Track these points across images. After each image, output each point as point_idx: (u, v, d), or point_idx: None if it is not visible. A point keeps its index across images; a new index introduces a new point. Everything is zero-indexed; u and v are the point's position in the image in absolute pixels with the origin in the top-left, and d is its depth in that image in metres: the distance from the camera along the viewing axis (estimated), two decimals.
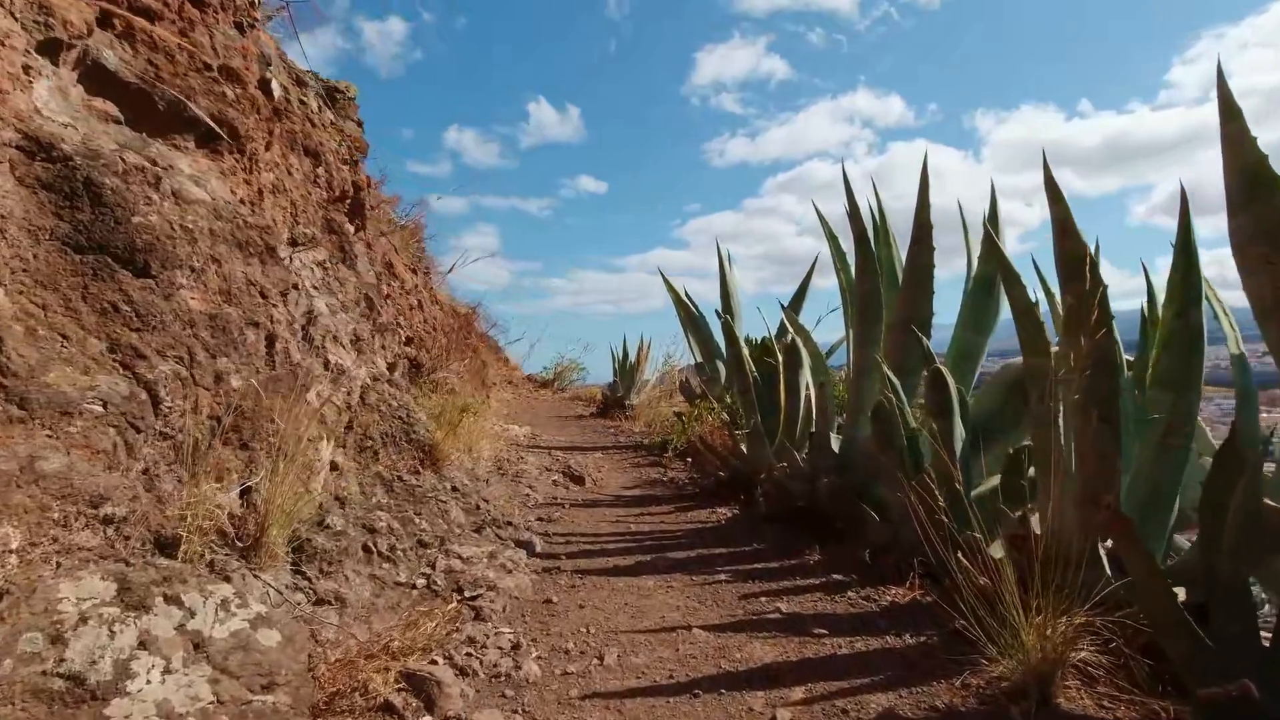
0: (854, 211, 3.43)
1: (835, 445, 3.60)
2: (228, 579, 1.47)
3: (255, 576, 1.56)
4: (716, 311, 5.05)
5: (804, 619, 2.21)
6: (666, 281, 7.24)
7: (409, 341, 5.37)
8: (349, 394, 2.59)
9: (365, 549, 2.10)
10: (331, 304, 2.90)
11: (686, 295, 7.28)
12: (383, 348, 3.81)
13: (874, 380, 3.46)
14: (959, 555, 2.11)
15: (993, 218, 3.41)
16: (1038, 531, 2.12)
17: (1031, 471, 2.58)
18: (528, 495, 4.13)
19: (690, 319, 7.16)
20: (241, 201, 2.25)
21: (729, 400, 5.28)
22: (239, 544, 1.64)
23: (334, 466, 2.46)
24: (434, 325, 6.23)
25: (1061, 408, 2.28)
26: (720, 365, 7.02)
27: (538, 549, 2.92)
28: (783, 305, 4.89)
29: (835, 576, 2.60)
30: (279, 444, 1.75)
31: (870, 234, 3.44)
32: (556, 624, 2.12)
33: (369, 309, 3.42)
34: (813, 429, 4.19)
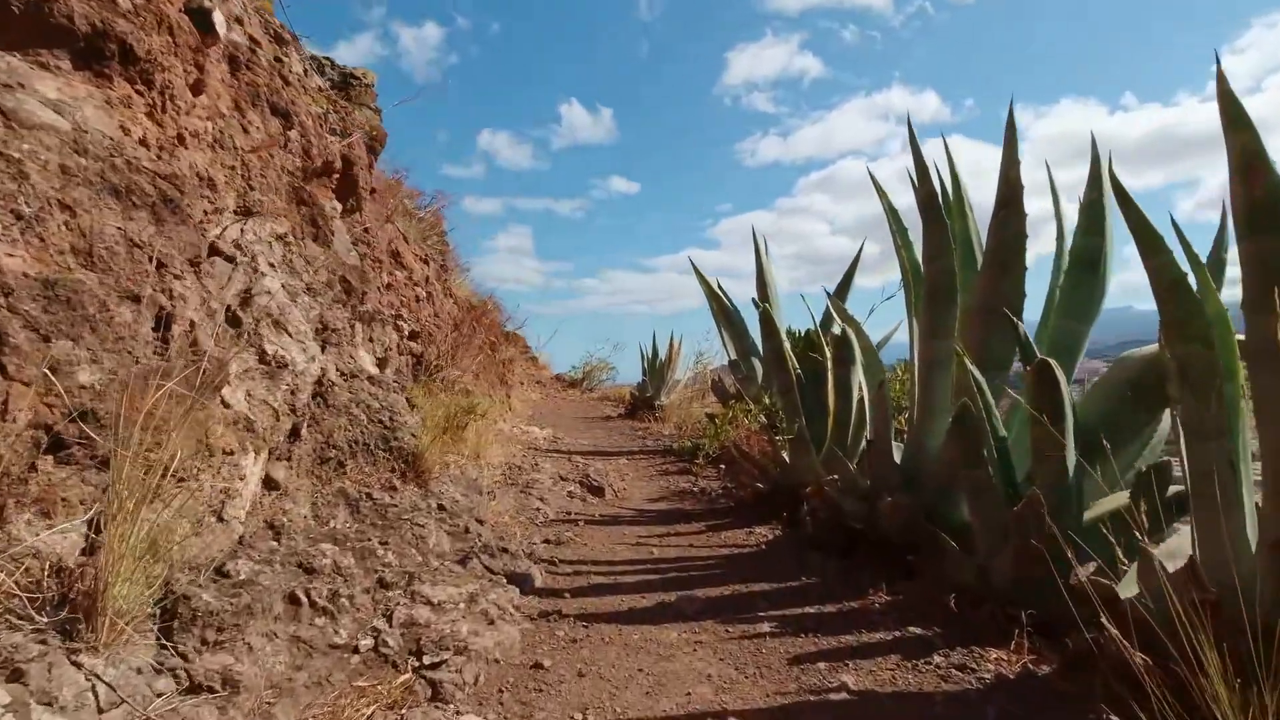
0: (922, 175, 2.83)
1: (896, 455, 3.02)
2: (18, 674, 0.97)
3: (75, 662, 1.07)
4: (754, 300, 4.47)
5: (880, 701, 1.64)
6: (698, 273, 6.68)
7: (413, 336, 4.90)
8: (294, 392, 2.10)
9: (291, 599, 1.59)
10: (291, 285, 2.42)
11: (719, 287, 6.71)
12: (370, 340, 3.33)
13: (946, 378, 2.86)
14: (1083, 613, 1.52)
15: (1094, 181, 2.80)
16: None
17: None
18: (537, 510, 3.61)
19: (724, 313, 6.58)
20: (142, 143, 1.77)
21: (767, 401, 4.71)
22: (62, 611, 1.14)
23: (271, 484, 1.96)
24: (447, 320, 5.76)
25: (1233, 412, 1.68)
26: (756, 363, 6.44)
27: (536, 583, 2.40)
28: (828, 293, 4.30)
29: (913, 630, 2.02)
30: (155, 461, 1.26)
31: (942, 202, 2.84)
32: (544, 705, 1.59)
33: (346, 294, 2.94)
34: (867, 435, 3.60)
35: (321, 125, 3.41)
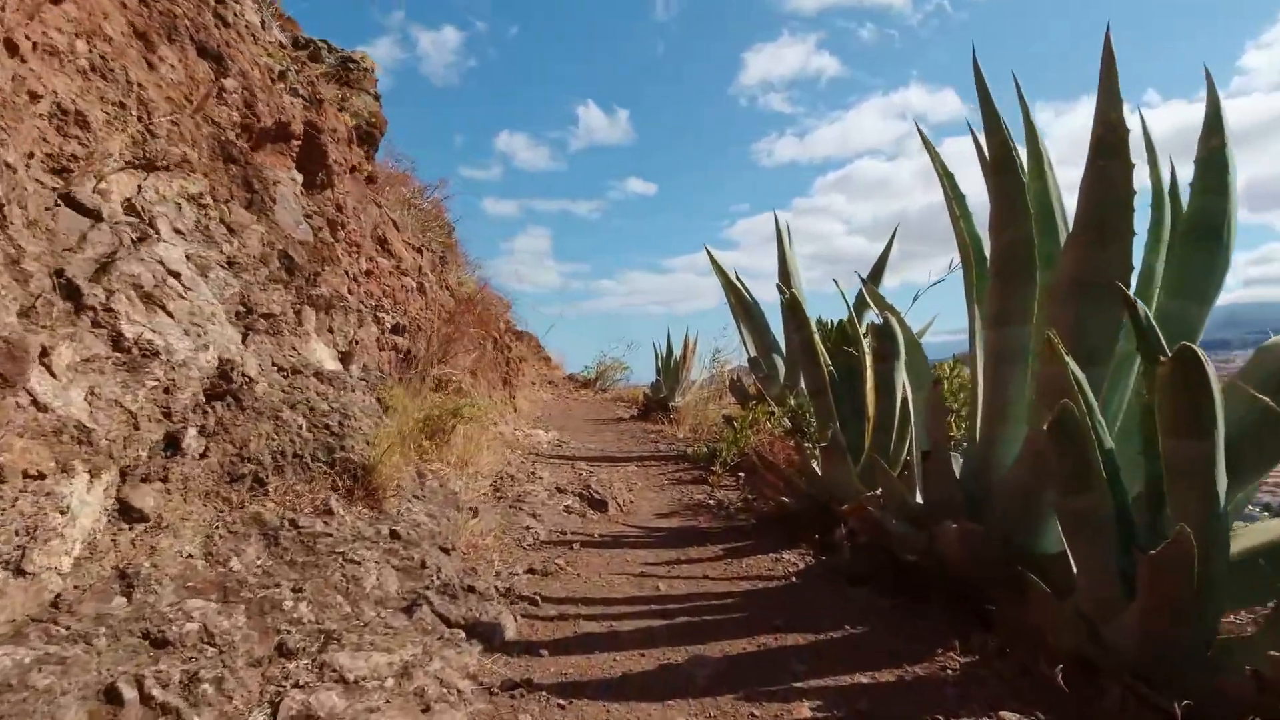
0: (992, 123, 2.29)
1: (954, 468, 2.47)
2: None
3: None
4: (778, 286, 3.94)
5: None
6: (715, 263, 6.14)
7: (398, 329, 4.42)
8: (169, 390, 1.60)
9: (108, 696, 1.09)
10: (202, 257, 1.93)
11: (737, 279, 6.17)
12: (330, 331, 2.85)
13: (1020, 374, 2.31)
14: None
15: (1213, 126, 2.25)
16: None
17: None
18: (526, 530, 3.10)
19: (742, 307, 6.04)
20: None
21: (792, 403, 4.16)
22: None
23: (135, 515, 1.47)
24: (440, 314, 5.28)
25: None
26: (778, 361, 5.89)
27: (508, 634, 1.88)
28: (863, 278, 3.75)
29: (1008, 718, 1.48)
30: None
31: (1016, 155, 2.29)
32: None
33: (288, 273, 2.45)
34: (911, 443, 3.06)
35: (276, 82, 2.92)
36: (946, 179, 2.74)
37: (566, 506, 3.58)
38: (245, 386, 1.90)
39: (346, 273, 3.54)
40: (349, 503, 2.10)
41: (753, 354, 6.07)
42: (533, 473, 4.33)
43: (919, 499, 2.65)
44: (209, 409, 1.78)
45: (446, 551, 2.20)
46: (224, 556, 1.58)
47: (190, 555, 1.50)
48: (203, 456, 1.74)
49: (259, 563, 1.64)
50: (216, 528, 1.65)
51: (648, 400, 9.32)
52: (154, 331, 1.60)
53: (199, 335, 1.73)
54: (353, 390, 2.59)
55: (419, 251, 5.90)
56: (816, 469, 3.34)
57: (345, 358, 2.98)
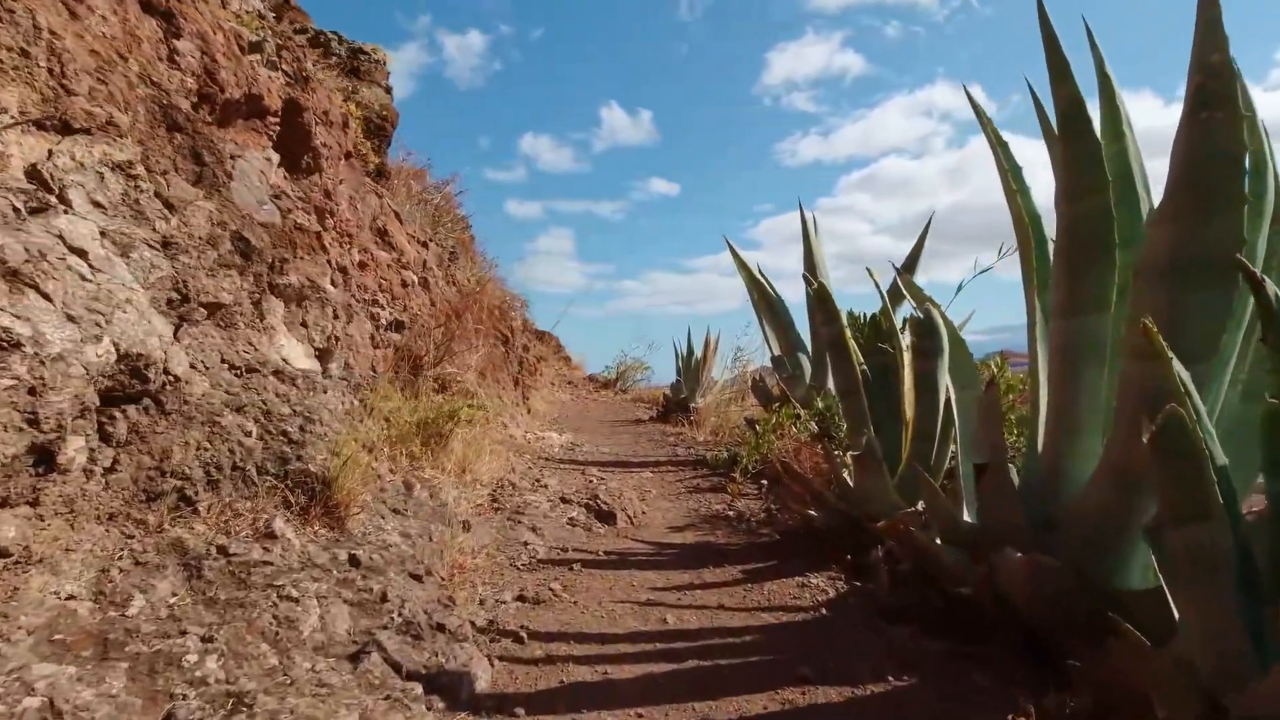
0: (1060, 70, 1.92)
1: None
2: None
3: None
4: (805, 276, 3.58)
5: None
6: (736, 255, 5.78)
7: (396, 326, 4.14)
8: (34, 392, 1.30)
9: None
10: (125, 234, 1.65)
11: (760, 273, 5.81)
12: (303, 325, 2.56)
13: (1097, 373, 1.94)
14: None
15: None
16: None
17: None
18: (524, 547, 2.79)
19: (766, 302, 5.68)
20: None
21: (818, 405, 3.79)
22: None
23: None
24: (445, 310, 4.99)
25: None
26: (804, 360, 5.52)
27: (479, 685, 1.57)
28: (896, 268, 3.38)
29: None
30: None
31: (1094, 113, 1.93)
32: None
33: (243, 258, 2.16)
34: (954, 452, 2.70)
35: (247, 52, 2.64)
36: (1000, 148, 2.37)
37: (571, 519, 3.26)
38: (169, 387, 1.61)
39: (334, 263, 3.26)
40: (303, 523, 1.81)
41: (776, 353, 5.71)
42: (538, 480, 4.03)
43: (966, 516, 2.29)
44: (113, 414, 1.50)
45: (418, 579, 1.89)
46: (123, 596, 1.29)
47: (71, 597, 1.22)
48: (109, 471, 1.45)
49: (171, 602, 1.35)
50: (119, 559, 1.36)
51: (667, 401, 8.99)
52: (16, 317, 1.31)
53: (96, 324, 1.45)
54: (323, 392, 2.29)
55: (424, 245, 5.63)
56: (848, 479, 2.99)
57: (323, 355, 2.69)
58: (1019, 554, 1.77)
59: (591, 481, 4.29)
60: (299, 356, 2.43)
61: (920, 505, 2.79)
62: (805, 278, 3.51)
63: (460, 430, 3.78)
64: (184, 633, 1.25)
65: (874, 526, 2.57)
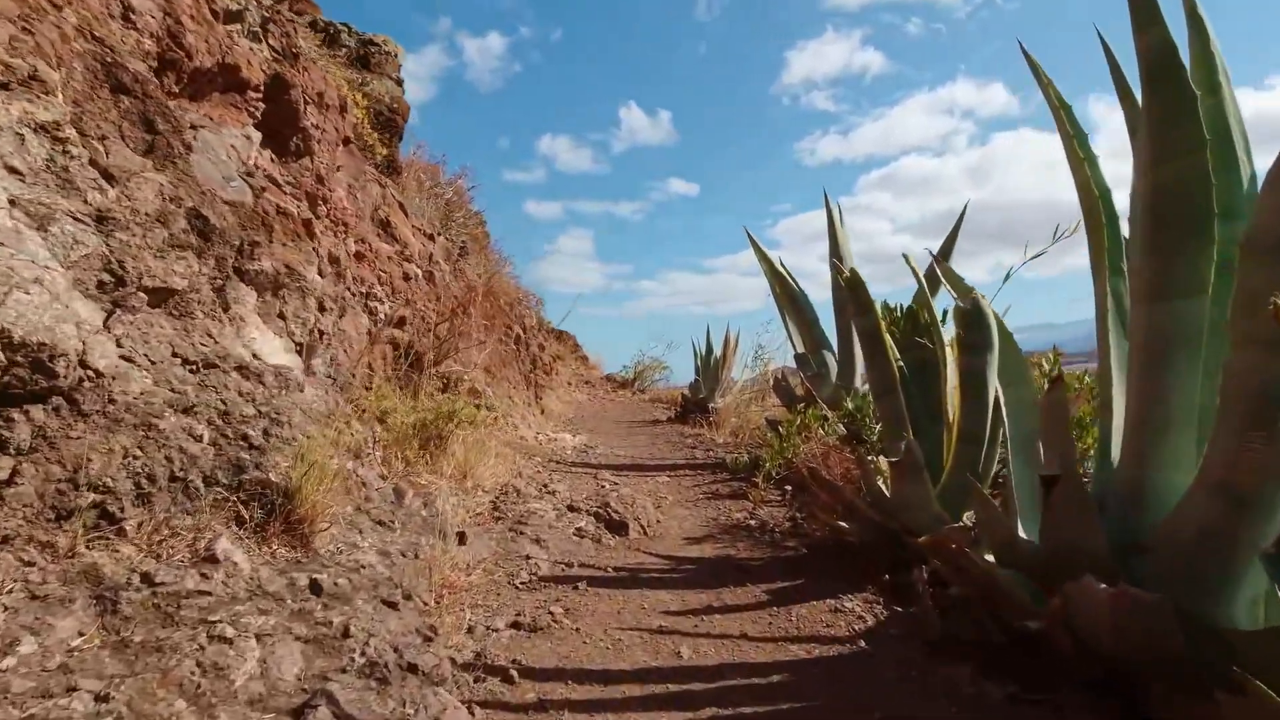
0: (1147, 11, 1.62)
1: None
2: None
3: None
4: (832, 263, 3.24)
5: None
6: (756, 246, 5.48)
7: (397, 321, 3.91)
8: None
9: None
10: (45, 205, 1.41)
11: (782, 266, 5.51)
12: (280, 316, 2.33)
13: (1191, 367, 1.64)
14: None
15: None
16: None
17: None
18: (525, 562, 2.54)
19: (788, 296, 5.38)
20: None
21: (847, 405, 3.49)
22: None
23: None
24: (450, 304, 4.76)
25: None
26: (829, 358, 5.22)
27: None
28: (934, 255, 3.07)
29: None
30: None
31: (1187, 58, 1.62)
32: None
33: (203, 239, 1.91)
34: (1008, 459, 2.39)
35: (221, 19, 2.41)
36: (1062, 110, 2.07)
37: (579, 529, 3.00)
38: (88, 383, 1.37)
39: (324, 252, 3.03)
40: (259, 542, 1.56)
41: (800, 350, 5.41)
42: (546, 486, 3.77)
43: (1021, 532, 2.00)
44: (11, 416, 1.26)
45: (393, 606, 1.63)
46: (7, 640, 1.05)
47: None
48: (7, 484, 1.21)
49: (72, 646, 1.11)
50: (9, 591, 1.12)
51: (685, 402, 8.71)
52: None
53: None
54: (298, 390, 2.05)
55: (431, 239, 5.40)
56: (883, 487, 2.70)
57: (306, 350, 2.46)
58: (1103, 585, 1.47)
59: (604, 487, 4.03)
60: (275, 351, 2.20)
61: (968, 518, 2.49)
62: (833, 264, 3.17)
63: (461, 432, 3.54)
64: (73, 689, 1.00)
65: (915, 542, 2.27)
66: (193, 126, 2.09)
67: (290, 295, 2.36)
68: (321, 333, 2.59)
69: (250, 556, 1.50)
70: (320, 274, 2.76)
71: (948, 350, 2.67)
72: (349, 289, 3.39)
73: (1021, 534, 1.98)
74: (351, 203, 3.98)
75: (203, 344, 1.79)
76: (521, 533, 2.83)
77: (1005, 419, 2.36)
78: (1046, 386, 1.97)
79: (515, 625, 1.95)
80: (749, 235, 5.52)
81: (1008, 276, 2.90)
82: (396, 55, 8.96)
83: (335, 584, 1.57)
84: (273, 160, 2.99)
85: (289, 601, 1.44)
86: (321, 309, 2.55)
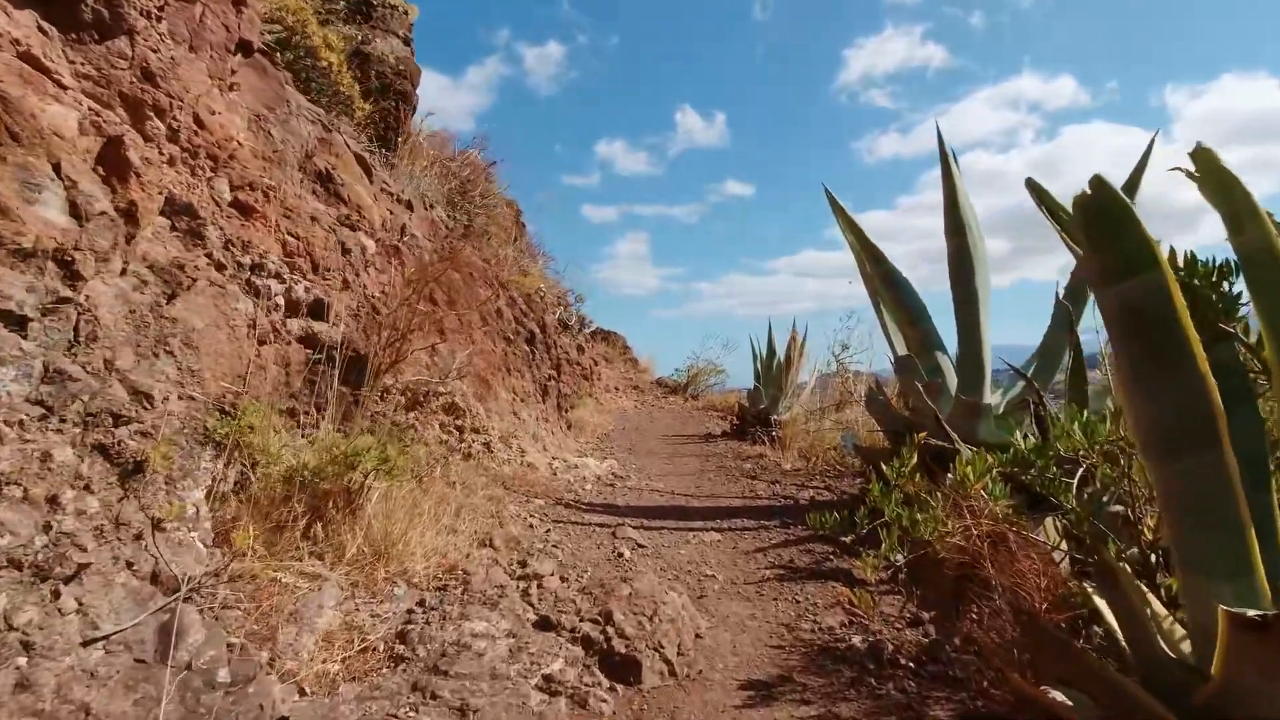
0: None
1: None
2: None
3: None
4: (1028, 184, 1.85)
5: None
6: (841, 212, 4.03)
7: (316, 311, 2.66)
8: None
9: None
10: None
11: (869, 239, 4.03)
12: None
13: None
14: None
15: None
16: None
17: None
18: None
19: (883, 277, 3.91)
20: None
21: (1021, 443, 1.99)
22: None
23: None
24: (416, 279, 3.49)
25: None
26: (947, 363, 3.74)
27: None
28: (1188, 167, 1.58)
29: None
30: None
31: None
32: None
33: None
34: None
35: None
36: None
37: (549, 678, 1.65)
38: None
39: (140, 188, 1.79)
40: None
41: (899, 350, 3.93)
42: (524, 563, 2.44)
43: None
44: None
45: None
46: None
47: None
48: None
49: None
50: None
51: (743, 412, 7.27)
52: None
53: None
54: None
55: (409, 207, 4.13)
56: (1163, 645, 1.26)
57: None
58: None
59: (620, 557, 2.68)
60: None
61: None
62: (1028, 185, 1.79)
63: (389, 482, 2.24)
64: None
65: None
66: None
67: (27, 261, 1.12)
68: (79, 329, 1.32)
69: None
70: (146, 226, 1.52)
71: None
72: (209, 254, 2.14)
73: None
74: (255, 138, 2.74)
75: None
76: (432, 698, 1.50)
77: None
78: None
79: None
80: (829, 196, 4.08)
81: None
82: (407, 13, 7.80)
83: None
84: (39, 29, 1.76)
85: None
86: (78, 277, 1.28)
